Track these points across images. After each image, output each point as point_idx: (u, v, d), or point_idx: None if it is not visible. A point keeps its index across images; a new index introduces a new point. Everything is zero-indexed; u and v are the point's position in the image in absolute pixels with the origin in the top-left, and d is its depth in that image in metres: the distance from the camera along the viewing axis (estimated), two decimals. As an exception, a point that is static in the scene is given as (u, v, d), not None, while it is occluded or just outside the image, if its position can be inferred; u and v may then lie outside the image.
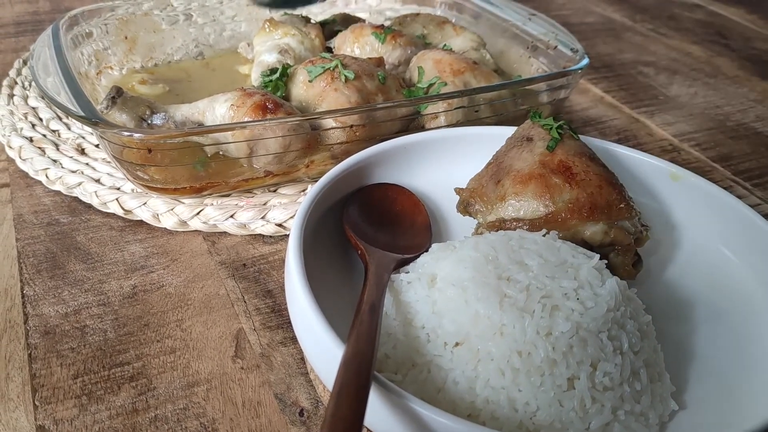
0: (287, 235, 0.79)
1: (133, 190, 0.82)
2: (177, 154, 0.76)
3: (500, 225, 0.66)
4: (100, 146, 0.91)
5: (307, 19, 1.09)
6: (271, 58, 0.98)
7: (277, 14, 1.15)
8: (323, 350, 0.51)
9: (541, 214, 0.64)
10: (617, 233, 0.63)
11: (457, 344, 0.53)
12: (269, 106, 0.77)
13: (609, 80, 1.28)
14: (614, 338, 0.53)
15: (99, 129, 0.72)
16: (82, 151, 0.91)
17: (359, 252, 0.65)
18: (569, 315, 0.52)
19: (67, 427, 0.56)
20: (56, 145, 0.91)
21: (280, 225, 0.79)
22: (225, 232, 0.79)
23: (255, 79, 0.97)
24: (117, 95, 0.79)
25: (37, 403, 0.58)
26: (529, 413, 0.50)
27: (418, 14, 1.16)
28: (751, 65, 1.39)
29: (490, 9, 1.17)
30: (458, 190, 0.72)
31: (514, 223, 0.65)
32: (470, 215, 0.70)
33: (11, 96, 1.03)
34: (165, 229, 0.79)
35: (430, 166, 0.78)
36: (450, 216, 0.75)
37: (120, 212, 0.80)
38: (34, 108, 1.00)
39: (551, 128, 0.70)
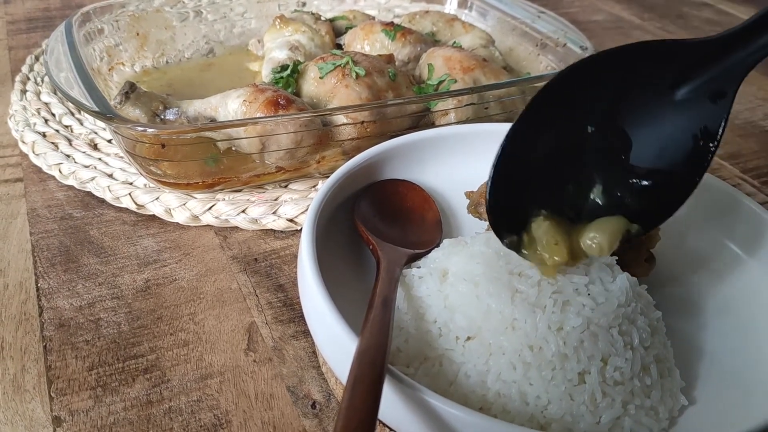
0: (298, 231, 0.80)
1: (145, 185, 0.83)
2: (190, 150, 0.77)
3: (511, 221, 0.66)
4: (113, 141, 0.92)
5: (317, 16, 1.10)
6: (281, 55, 0.99)
7: (288, 11, 1.15)
8: (337, 343, 0.52)
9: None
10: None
11: (468, 338, 0.54)
12: (281, 102, 0.78)
13: (617, 78, 1.28)
14: (625, 333, 0.53)
15: (113, 124, 0.73)
16: (95, 147, 0.92)
17: (371, 247, 0.66)
18: (580, 310, 0.53)
19: (82, 418, 0.57)
20: (69, 141, 0.92)
21: (291, 220, 0.80)
22: (237, 227, 0.80)
23: (266, 75, 0.97)
24: (130, 90, 0.79)
25: (52, 394, 0.59)
26: (540, 407, 0.51)
27: (427, 11, 1.17)
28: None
29: (499, 6, 1.18)
30: (468, 194, 0.72)
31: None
32: (480, 215, 0.70)
33: (24, 92, 1.04)
34: (177, 223, 0.80)
35: (440, 163, 0.79)
36: (460, 212, 0.75)
37: (133, 207, 0.81)
38: (46, 103, 1.01)
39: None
